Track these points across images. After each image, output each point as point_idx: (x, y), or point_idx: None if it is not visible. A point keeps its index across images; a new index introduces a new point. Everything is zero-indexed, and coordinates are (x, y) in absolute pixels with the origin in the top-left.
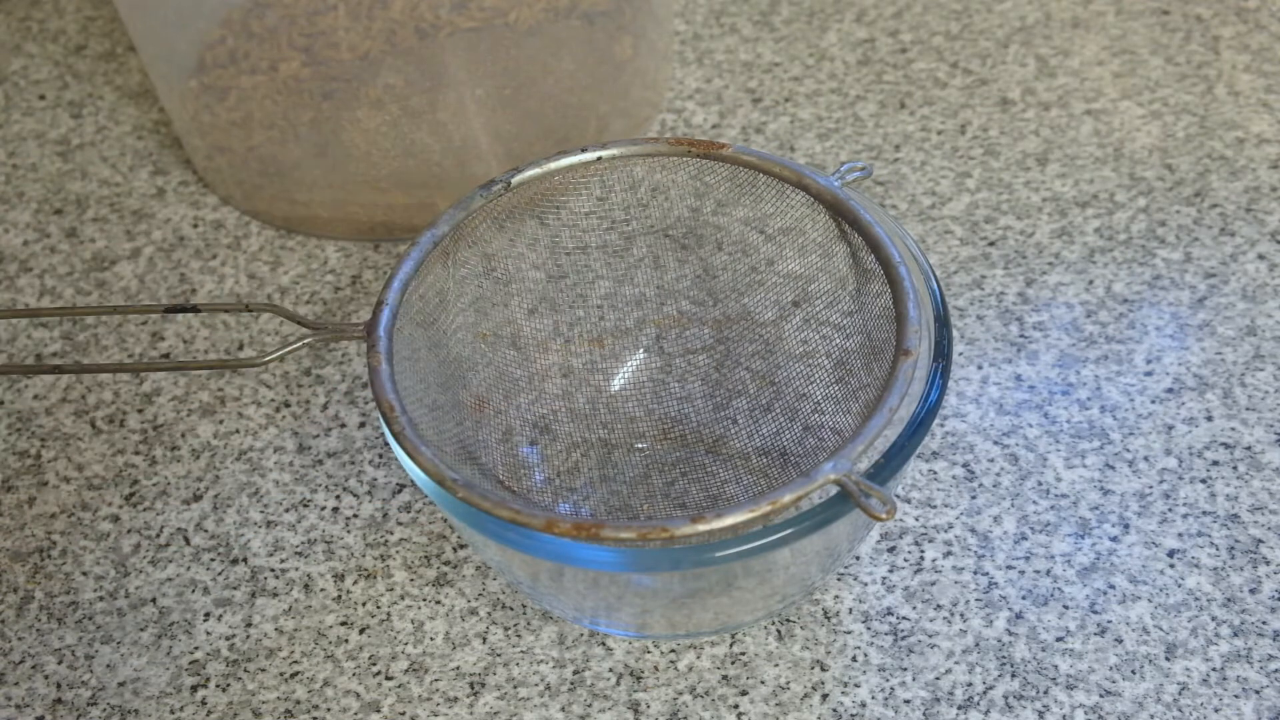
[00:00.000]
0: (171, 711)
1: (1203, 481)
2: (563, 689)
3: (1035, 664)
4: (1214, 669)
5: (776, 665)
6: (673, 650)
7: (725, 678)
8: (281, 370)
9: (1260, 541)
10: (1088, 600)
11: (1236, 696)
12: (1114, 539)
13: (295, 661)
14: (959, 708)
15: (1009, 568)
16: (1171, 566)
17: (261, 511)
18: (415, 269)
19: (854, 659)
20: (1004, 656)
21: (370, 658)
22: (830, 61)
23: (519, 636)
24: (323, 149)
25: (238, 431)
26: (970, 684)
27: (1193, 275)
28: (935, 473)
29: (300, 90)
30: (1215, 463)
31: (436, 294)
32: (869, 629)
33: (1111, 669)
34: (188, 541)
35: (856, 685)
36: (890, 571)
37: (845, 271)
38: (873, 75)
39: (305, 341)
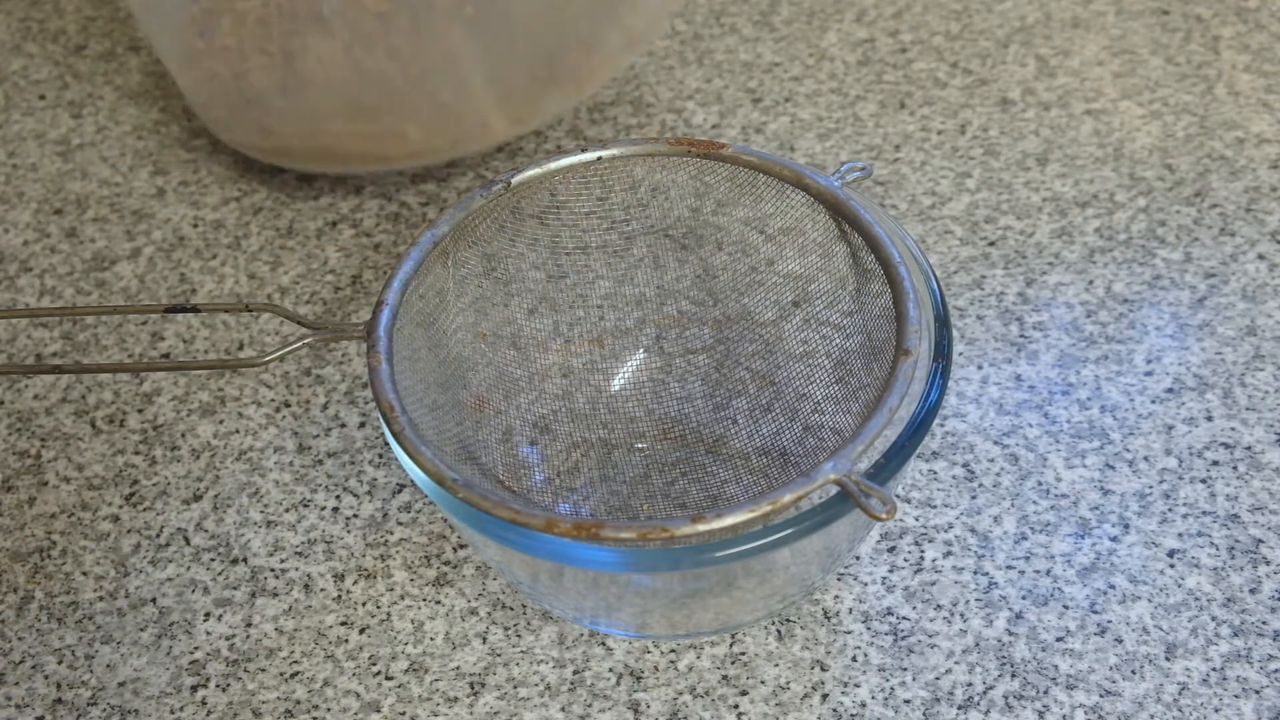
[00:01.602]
0: (171, 711)
1: (1203, 481)
2: (563, 689)
3: (1035, 664)
4: (1214, 669)
5: (776, 665)
6: (673, 650)
7: (725, 678)
8: (281, 370)
9: (1260, 541)
10: (1088, 600)
11: (1236, 696)
12: (1114, 539)
13: (295, 661)
14: (959, 708)
15: (1009, 568)
16: (1171, 566)
17: (261, 511)
18: (415, 269)
19: (854, 659)
20: (1004, 656)
21: (370, 658)
22: (830, 61)
23: (519, 636)
24: (307, 76)
25: (238, 431)
26: (970, 684)
27: (1193, 275)
28: (935, 473)
29: (293, 14)
30: (1215, 463)
31: (436, 294)
32: (869, 629)
33: (1111, 669)
34: (188, 541)
35: (856, 685)
36: (890, 571)
37: (845, 271)
38: (873, 75)
39: (305, 341)
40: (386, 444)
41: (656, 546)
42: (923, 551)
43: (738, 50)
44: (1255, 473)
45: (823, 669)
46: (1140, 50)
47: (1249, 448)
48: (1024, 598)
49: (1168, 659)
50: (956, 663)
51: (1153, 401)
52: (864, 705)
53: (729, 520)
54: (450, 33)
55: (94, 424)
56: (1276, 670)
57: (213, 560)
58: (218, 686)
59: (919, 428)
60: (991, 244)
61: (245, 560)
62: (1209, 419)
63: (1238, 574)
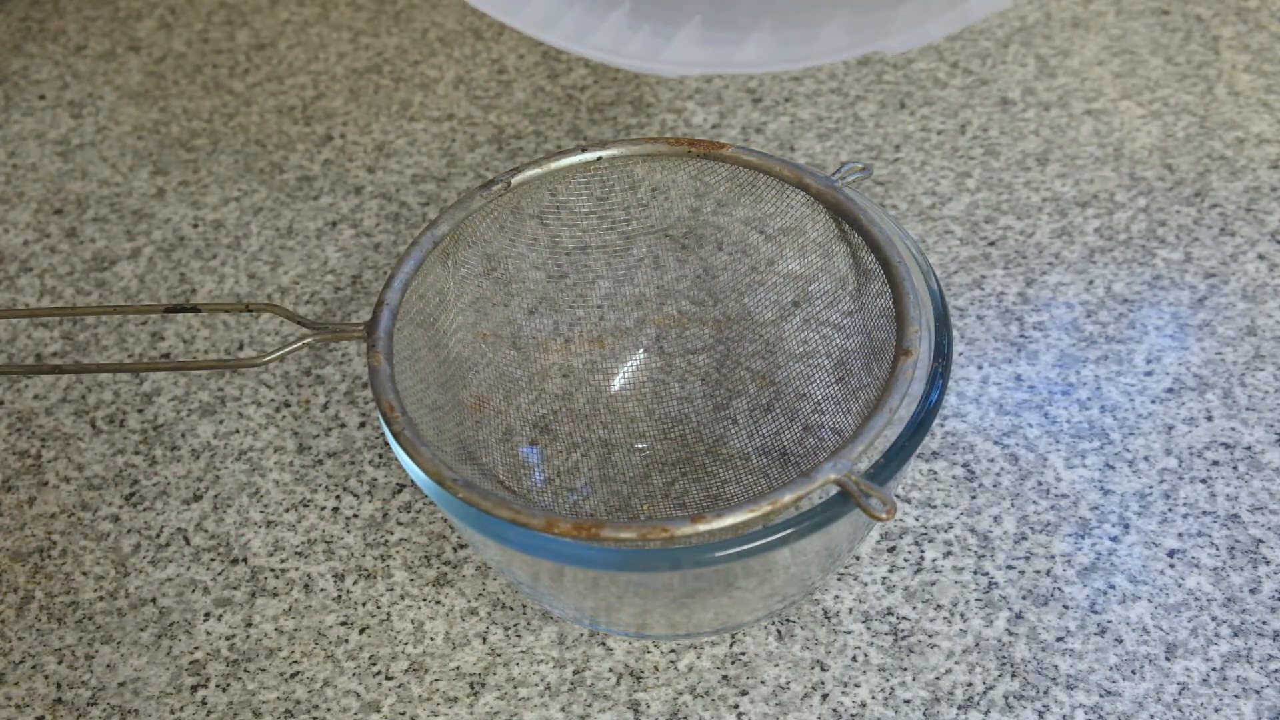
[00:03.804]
0: (171, 711)
1: (1203, 481)
2: (563, 689)
3: (1035, 664)
4: (1214, 669)
5: (776, 665)
6: (673, 650)
7: (725, 678)
8: (281, 370)
9: (1260, 541)
10: (1088, 600)
11: (1236, 696)
12: (1114, 539)
13: (295, 661)
14: (959, 708)
15: (1009, 568)
16: (1171, 566)
17: (261, 511)
18: (415, 269)
19: (854, 659)
20: (1004, 656)
21: (370, 658)
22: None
23: (519, 636)
24: None
25: (238, 431)
26: (970, 684)
27: (1193, 275)
28: (935, 473)
29: None
30: (1215, 463)
31: (436, 294)
32: (869, 629)
33: (1111, 669)
34: (188, 541)
35: (856, 685)
36: (890, 571)
37: (845, 271)
38: (872, 75)
39: (305, 341)
40: (386, 444)
41: (656, 546)
42: (923, 551)
43: None
44: (1255, 473)
45: (823, 669)
46: (1140, 50)
47: (1249, 448)
48: (1024, 598)
49: (1168, 659)
50: (956, 663)
51: (1153, 401)
52: (864, 705)
53: (729, 520)
54: None
55: (94, 424)
56: (1276, 670)
57: (213, 560)
58: (218, 686)
59: (919, 428)
60: (991, 244)
61: (245, 560)
62: (1209, 419)
63: (1238, 574)
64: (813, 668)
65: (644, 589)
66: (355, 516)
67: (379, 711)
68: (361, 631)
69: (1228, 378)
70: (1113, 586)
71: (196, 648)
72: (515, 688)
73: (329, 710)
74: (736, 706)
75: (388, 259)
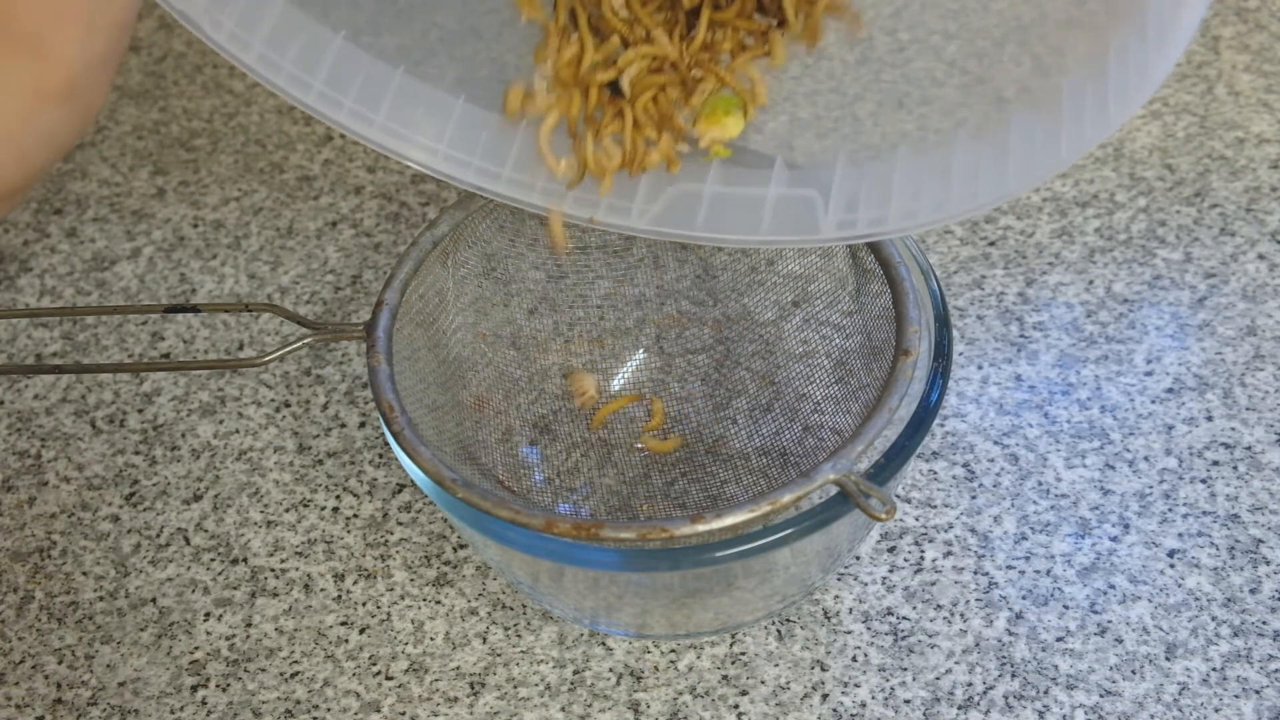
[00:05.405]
0: (171, 711)
1: (1203, 481)
2: (563, 689)
3: (1035, 664)
4: (1214, 669)
5: (776, 665)
6: (673, 650)
7: (725, 678)
8: (281, 370)
9: (1260, 541)
10: (1088, 600)
11: (1236, 696)
12: (1114, 539)
13: (295, 661)
14: (959, 708)
15: (1009, 568)
16: (1171, 566)
17: (261, 511)
18: (415, 269)
19: (854, 659)
20: (1004, 656)
21: (370, 658)
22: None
23: (519, 636)
24: None
25: (238, 431)
26: (970, 684)
27: (1193, 275)
28: (935, 473)
29: None
30: (1215, 463)
31: (436, 294)
32: (869, 629)
33: (1111, 669)
34: (188, 541)
35: (856, 685)
36: (890, 571)
37: (845, 271)
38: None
39: (305, 341)
40: (386, 444)
41: (656, 546)
42: (923, 551)
43: None
44: (1255, 473)
45: (823, 669)
46: None
47: (1249, 448)
48: (1024, 598)
49: (1168, 659)
50: (956, 663)
51: (1153, 401)
52: (864, 705)
53: (729, 520)
54: None
55: (94, 424)
56: (1276, 670)
57: (213, 560)
58: (218, 686)
59: (919, 428)
60: (991, 244)
61: (245, 560)
62: (1209, 419)
63: (1238, 574)
64: (813, 668)
65: (644, 589)
66: (355, 516)
67: (379, 711)
68: (361, 631)
69: (1228, 378)
70: (1113, 586)
71: (196, 648)
72: (515, 688)
73: (329, 710)
74: (736, 706)
75: (388, 259)
